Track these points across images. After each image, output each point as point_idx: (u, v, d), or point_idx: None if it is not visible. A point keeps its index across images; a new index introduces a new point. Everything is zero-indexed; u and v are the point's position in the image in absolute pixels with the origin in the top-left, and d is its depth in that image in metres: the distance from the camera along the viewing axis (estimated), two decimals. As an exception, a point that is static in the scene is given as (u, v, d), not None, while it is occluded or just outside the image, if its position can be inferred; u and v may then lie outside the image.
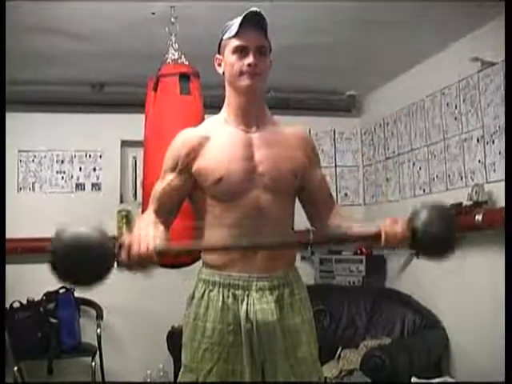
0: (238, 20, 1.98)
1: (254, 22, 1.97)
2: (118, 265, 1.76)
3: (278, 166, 2.02)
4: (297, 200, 2.17)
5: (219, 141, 2.03)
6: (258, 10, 1.98)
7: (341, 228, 2.07)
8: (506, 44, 2.55)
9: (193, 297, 2.06)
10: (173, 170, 2.03)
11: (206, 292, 2.01)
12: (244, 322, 1.96)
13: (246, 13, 1.96)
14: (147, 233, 1.82)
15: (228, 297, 1.98)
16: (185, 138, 2.06)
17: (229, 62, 2.02)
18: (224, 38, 2.05)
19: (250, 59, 1.97)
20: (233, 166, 1.98)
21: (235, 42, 1.99)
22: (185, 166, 2.01)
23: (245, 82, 1.99)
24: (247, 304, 1.97)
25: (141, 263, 1.77)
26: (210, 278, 2.02)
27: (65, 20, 3.63)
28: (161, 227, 1.96)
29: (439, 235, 1.94)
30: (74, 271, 1.72)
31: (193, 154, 2.00)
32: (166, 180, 2.04)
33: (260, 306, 1.97)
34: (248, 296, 1.97)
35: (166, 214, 2.03)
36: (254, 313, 1.96)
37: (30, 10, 3.42)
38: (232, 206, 1.98)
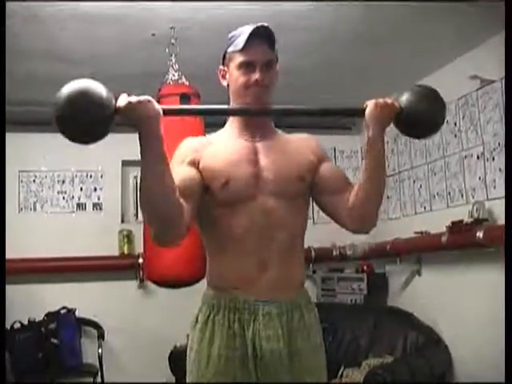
0: (245, 34, 1.93)
1: (260, 36, 1.93)
2: (118, 110, 1.71)
3: (283, 172, 1.96)
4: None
5: (224, 146, 1.99)
6: (265, 24, 1.94)
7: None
8: (506, 43, 2.54)
9: (197, 320, 1.97)
10: (182, 162, 1.93)
11: (211, 316, 1.93)
12: (251, 349, 1.88)
13: (253, 28, 1.92)
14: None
15: (234, 321, 1.89)
16: (190, 141, 2.02)
17: (234, 76, 1.97)
18: (229, 50, 1.99)
19: (256, 75, 1.93)
20: (238, 169, 1.92)
21: (241, 58, 1.94)
22: (193, 160, 1.93)
23: (251, 97, 1.95)
24: (253, 330, 1.88)
25: (142, 109, 1.70)
26: (215, 301, 1.93)
27: (63, 43, 3.66)
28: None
29: (426, 110, 1.94)
30: (75, 118, 1.71)
31: (199, 152, 1.94)
32: (177, 170, 1.88)
33: (266, 332, 1.88)
34: (254, 321, 1.89)
35: (185, 198, 1.83)
36: (261, 339, 1.87)
37: (28, 34, 3.46)
38: (237, 213, 1.91)
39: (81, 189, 5.20)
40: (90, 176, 5.21)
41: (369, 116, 1.92)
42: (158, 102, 3.21)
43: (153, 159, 1.72)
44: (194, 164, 1.92)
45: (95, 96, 1.70)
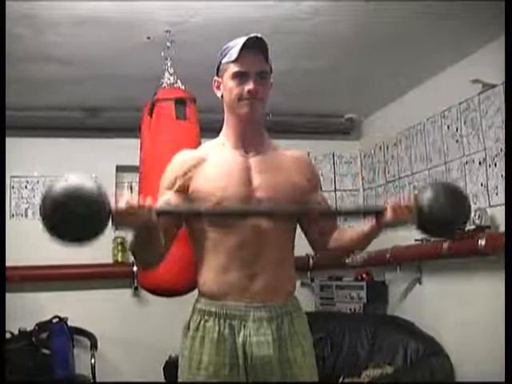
0: (238, 45, 1.98)
1: (254, 47, 1.98)
2: (112, 221, 1.72)
3: (277, 192, 2.01)
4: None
5: (216, 163, 2.03)
6: (258, 35, 1.99)
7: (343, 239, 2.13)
8: (506, 43, 2.55)
9: (188, 327, 2.03)
10: (169, 189, 2.02)
11: (202, 323, 1.99)
12: (241, 354, 1.93)
13: (246, 38, 1.97)
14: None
15: (224, 328, 1.95)
16: (182, 158, 2.06)
17: (228, 87, 2.03)
18: (223, 61, 2.05)
19: (250, 85, 1.98)
20: (230, 190, 1.97)
21: (235, 68, 2.00)
22: (182, 186, 2.00)
23: (244, 108, 2.01)
24: (244, 336, 1.94)
25: (138, 218, 1.75)
26: (206, 307, 2.00)
27: (58, 46, 3.66)
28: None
29: (446, 212, 1.94)
30: (64, 226, 1.67)
31: (189, 174, 2.00)
32: (163, 199, 2.00)
33: (257, 338, 1.94)
34: (245, 327, 1.95)
35: (166, 233, 1.97)
36: (251, 345, 1.93)
37: (21, 36, 3.46)
38: (230, 232, 1.97)
39: (74, 195, 5.16)
40: (84, 182, 5.17)
41: (385, 224, 1.99)
42: (153, 106, 3.27)
43: (147, 244, 1.88)
44: (184, 190, 2.00)
45: (89, 202, 1.68)
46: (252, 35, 1.98)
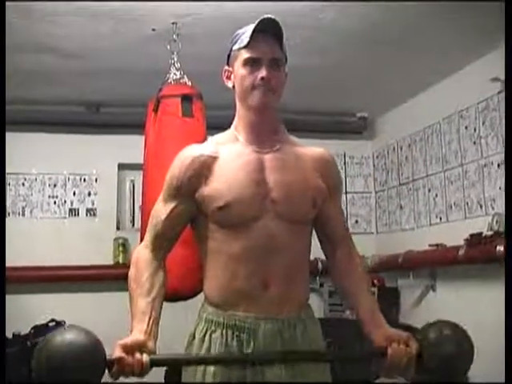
0: (250, 29, 1.89)
1: (267, 31, 1.89)
2: (110, 375, 1.69)
3: (294, 193, 1.92)
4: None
5: (227, 162, 1.93)
6: (272, 17, 1.89)
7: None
8: (506, 44, 2.53)
9: (193, 337, 1.95)
10: (174, 195, 1.93)
11: (208, 333, 1.91)
12: (250, 369, 1.84)
13: (258, 20, 1.88)
14: (138, 342, 1.78)
15: (232, 339, 1.87)
16: (188, 158, 1.94)
17: (239, 75, 1.92)
18: (234, 48, 1.96)
19: (262, 73, 1.88)
20: (242, 190, 1.88)
21: (246, 54, 1.90)
22: (187, 191, 1.91)
23: (257, 98, 1.90)
24: (253, 349, 1.85)
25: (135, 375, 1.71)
26: (213, 317, 1.91)
27: (59, 38, 3.64)
28: (159, 275, 1.94)
29: (451, 357, 1.84)
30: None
31: (196, 177, 1.90)
32: (166, 207, 1.93)
33: (267, 351, 1.86)
34: (254, 340, 1.86)
35: (166, 241, 1.96)
36: (260, 359, 1.86)
37: (22, 27, 3.43)
38: (239, 234, 1.88)
39: (74, 193, 5.16)
40: (84, 180, 5.17)
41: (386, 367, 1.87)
42: (159, 102, 3.24)
43: None
44: (190, 194, 1.92)
45: (84, 362, 1.61)
46: (265, 16, 1.88)
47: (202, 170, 1.91)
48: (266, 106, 1.93)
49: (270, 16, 1.89)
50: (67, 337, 1.66)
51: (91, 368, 1.62)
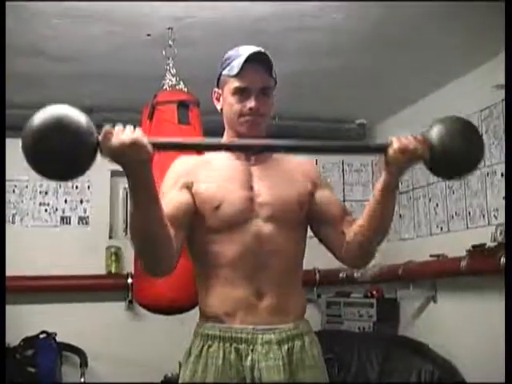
0: (241, 57, 1.93)
1: (257, 62, 1.94)
2: (101, 150, 1.60)
3: (279, 197, 1.97)
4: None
5: (218, 167, 2.00)
6: (262, 50, 1.95)
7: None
8: (506, 45, 2.52)
9: (189, 354, 1.95)
10: (173, 188, 1.94)
11: (205, 348, 1.90)
12: (249, 380, 1.85)
13: (248, 54, 1.92)
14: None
15: (230, 352, 1.87)
16: (183, 160, 2.02)
17: (228, 102, 1.99)
18: (224, 73, 2.00)
19: (251, 103, 1.95)
20: (232, 193, 1.94)
21: (236, 83, 1.95)
22: (186, 183, 1.94)
23: (244, 126, 1.97)
24: (252, 360, 1.86)
25: (130, 146, 1.59)
26: (209, 331, 1.92)
27: (50, 40, 3.60)
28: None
29: (462, 149, 1.84)
30: (46, 158, 1.57)
31: (192, 174, 1.96)
32: (169, 195, 1.91)
33: (266, 362, 1.86)
34: (253, 351, 1.87)
35: (175, 228, 1.84)
36: (260, 371, 1.85)
37: (12, 29, 3.38)
38: (231, 240, 1.91)
39: (65, 201, 5.11)
40: (76, 187, 5.12)
41: (392, 158, 1.83)
42: (153, 109, 3.19)
43: (143, 201, 1.70)
44: (187, 188, 1.95)
45: (72, 130, 1.57)
46: (256, 50, 1.94)
47: (196, 169, 1.97)
48: (253, 134, 1.98)
49: (259, 49, 1.95)
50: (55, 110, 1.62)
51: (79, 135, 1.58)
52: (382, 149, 1.84)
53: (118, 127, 1.62)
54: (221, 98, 2.04)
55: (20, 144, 1.61)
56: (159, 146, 1.75)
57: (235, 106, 1.96)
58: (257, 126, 1.98)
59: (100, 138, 1.60)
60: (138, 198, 1.69)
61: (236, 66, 1.93)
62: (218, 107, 2.06)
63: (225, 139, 2.08)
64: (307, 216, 2.04)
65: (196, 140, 1.92)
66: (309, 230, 2.09)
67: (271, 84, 2.01)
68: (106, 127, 1.61)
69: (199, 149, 1.97)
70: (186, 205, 1.92)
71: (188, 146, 1.93)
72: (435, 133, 1.84)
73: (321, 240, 2.08)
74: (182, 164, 2.01)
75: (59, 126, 1.57)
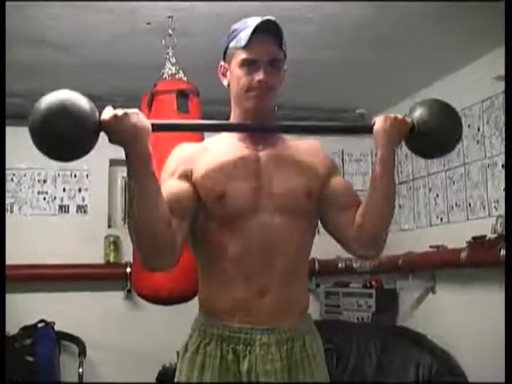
0: (249, 28, 1.84)
1: (266, 31, 1.84)
2: (102, 125, 1.67)
3: (289, 186, 1.89)
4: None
5: (221, 153, 1.91)
6: (272, 18, 1.84)
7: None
8: (506, 44, 2.51)
9: (186, 349, 1.89)
10: (171, 176, 1.87)
11: (202, 345, 1.85)
12: (246, 382, 1.80)
13: (257, 22, 1.83)
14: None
15: (228, 352, 1.82)
16: (183, 147, 1.95)
17: (235, 75, 1.89)
18: (231, 45, 1.91)
19: (260, 75, 1.84)
20: (237, 181, 1.85)
21: (244, 55, 1.85)
22: (185, 171, 1.86)
23: (252, 102, 1.87)
24: (249, 363, 1.80)
25: (129, 117, 1.65)
26: (207, 328, 1.86)
27: (50, 29, 3.58)
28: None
29: (441, 127, 1.93)
30: (53, 135, 1.67)
31: (192, 161, 1.87)
32: (168, 184, 1.84)
33: (264, 366, 1.80)
34: (250, 352, 1.81)
35: (177, 217, 1.78)
36: (257, 374, 1.80)
37: (12, 18, 3.36)
38: (236, 229, 1.83)
39: (64, 189, 5.10)
40: (75, 175, 5.11)
41: (378, 132, 1.87)
42: (152, 98, 3.17)
43: (141, 180, 1.67)
44: (187, 176, 1.86)
45: (76, 110, 1.65)
46: (264, 18, 1.84)
47: (196, 156, 1.90)
48: (262, 108, 1.90)
49: (269, 17, 1.85)
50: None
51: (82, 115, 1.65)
52: (369, 128, 1.92)
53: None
54: (227, 73, 1.94)
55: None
56: (158, 128, 1.78)
57: (243, 79, 1.87)
58: (265, 101, 1.89)
59: (102, 115, 1.66)
60: (136, 179, 1.67)
61: (244, 37, 1.84)
62: (225, 82, 1.96)
63: (232, 119, 1.99)
64: (318, 204, 1.95)
65: (196, 122, 1.89)
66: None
67: (281, 56, 1.91)
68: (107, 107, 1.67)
69: (195, 130, 1.93)
70: (186, 192, 1.84)
71: (184, 128, 1.92)
72: (416, 112, 1.94)
73: (329, 229, 1.99)
74: (182, 152, 1.93)
75: (63, 107, 1.64)
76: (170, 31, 3.39)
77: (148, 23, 3.48)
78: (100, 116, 1.67)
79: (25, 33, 3.62)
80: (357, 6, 3.36)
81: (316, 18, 3.50)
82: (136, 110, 1.68)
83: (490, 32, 3.62)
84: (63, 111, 1.64)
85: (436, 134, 1.92)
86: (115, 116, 1.65)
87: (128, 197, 1.72)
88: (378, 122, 1.90)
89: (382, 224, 1.93)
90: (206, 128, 1.97)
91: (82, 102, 1.67)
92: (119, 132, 1.64)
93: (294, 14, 3.39)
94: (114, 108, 1.68)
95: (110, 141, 1.67)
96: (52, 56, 3.97)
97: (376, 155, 1.92)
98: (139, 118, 1.67)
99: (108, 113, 1.66)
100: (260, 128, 1.96)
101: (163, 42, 3.40)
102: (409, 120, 1.91)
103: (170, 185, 1.84)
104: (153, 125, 1.72)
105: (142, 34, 3.62)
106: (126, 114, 1.65)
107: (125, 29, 3.58)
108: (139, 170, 1.66)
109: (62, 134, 1.64)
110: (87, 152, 1.70)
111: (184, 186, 1.85)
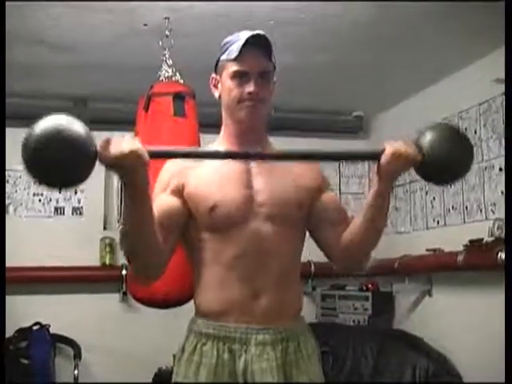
0: (239, 41, 1.89)
1: (256, 45, 1.89)
2: (100, 158, 1.60)
3: (280, 196, 1.92)
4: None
5: (213, 165, 1.93)
6: (261, 32, 1.90)
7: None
8: (506, 44, 2.51)
9: (183, 350, 1.93)
10: (164, 190, 1.92)
11: (198, 346, 1.89)
12: (241, 382, 1.84)
13: (248, 36, 1.88)
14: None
15: (223, 351, 1.86)
16: (174, 162, 1.96)
17: (227, 87, 1.93)
18: (222, 58, 1.96)
19: (250, 87, 1.89)
20: (228, 192, 1.89)
21: (235, 67, 1.90)
22: (177, 186, 1.90)
23: (244, 112, 1.91)
24: (245, 361, 1.84)
25: (127, 155, 1.58)
26: (203, 329, 1.90)
27: (47, 29, 3.57)
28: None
29: (451, 155, 1.85)
30: (48, 168, 1.59)
31: (183, 175, 1.91)
32: (159, 199, 1.89)
33: (259, 364, 1.84)
34: (246, 352, 1.85)
35: (165, 232, 1.83)
36: (252, 373, 1.83)
37: (11, 17, 3.35)
38: (228, 240, 1.88)
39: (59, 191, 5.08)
40: (70, 177, 5.09)
41: (384, 168, 1.79)
42: (149, 100, 3.17)
43: (137, 208, 1.70)
44: (179, 191, 1.92)
45: (72, 141, 1.58)
46: (254, 32, 1.89)
47: (188, 170, 1.93)
48: (253, 119, 1.94)
49: (259, 32, 1.90)
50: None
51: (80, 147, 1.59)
52: (377, 155, 1.82)
53: (116, 137, 1.62)
54: (219, 85, 1.98)
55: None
56: (155, 155, 1.72)
57: (234, 91, 1.91)
58: (256, 112, 1.92)
59: (98, 147, 1.59)
60: (132, 206, 1.69)
61: (235, 49, 1.89)
62: (216, 94, 2.01)
63: (223, 130, 2.03)
64: (307, 215, 1.99)
65: (192, 149, 1.86)
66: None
67: (270, 68, 1.96)
68: (104, 137, 1.60)
69: (195, 157, 1.92)
70: (176, 209, 1.89)
71: (184, 155, 1.90)
72: (426, 139, 1.85)
73: (317, 241, 2.04)
74: (173, 167, 1.95)
75: (59, 138, 1.58)
76: (166, 32, 3.39)
77: (145, 24, 3.49)
78: (96, 148, 1.60)
79: (24, 33, 3.62)
80: (356, 6, 3.36)
81: (312, 22, 3.51)
82: (134, 142, 1.62)
83: (490, 32, 3.62)
84: (58, 140, 1.58)
85: (447, 165, 1.85)
86: (115, 157, 1.58)
87: (123, 218, 1.75)
88: (387, 157, 1.77)
89: (369, 249, 1.98)
90: (205, 156, 1.93)
91: (76, 131, 1.60)
92: (117, 166, 1.61)
93: (292, 15, 3.40)
94: (110, 140, 1.61)
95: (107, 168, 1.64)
96: (51, 57, 3.97)
97: (373, 177, 1.88)
98: (138, 151, 1.60)
99: (105, 147, 1.58)
100: (260, 156, 1.94)
101: (160, 43, 3.40)
102: (419, 157, 1.79)
103: (162, 199, 1.89)
104: (150, 152, 1.65)
105: (139, 35, 3.62)
106: (123, 152, 1.58)
107: (123, 29, 3.59)
108: (136, 198, 1.67)
109: (57, 163, 1.58)
110: (81, 182, 1.64)
111: (175, 202, 1.90)
